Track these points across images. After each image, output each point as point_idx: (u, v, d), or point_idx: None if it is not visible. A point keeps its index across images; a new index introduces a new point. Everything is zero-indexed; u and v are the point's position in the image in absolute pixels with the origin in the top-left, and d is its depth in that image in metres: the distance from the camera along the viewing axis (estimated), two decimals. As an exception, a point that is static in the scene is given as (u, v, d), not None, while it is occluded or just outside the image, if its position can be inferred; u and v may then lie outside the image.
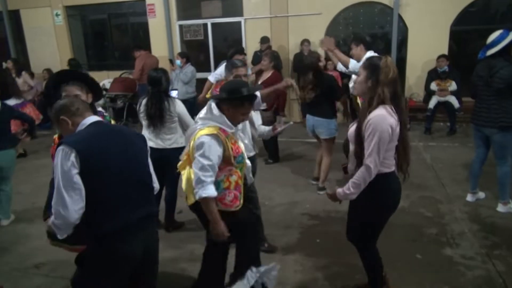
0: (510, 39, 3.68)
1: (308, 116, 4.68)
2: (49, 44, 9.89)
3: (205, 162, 2.22)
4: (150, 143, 3.42)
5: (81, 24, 10.24)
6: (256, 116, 3.11)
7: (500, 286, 2.87)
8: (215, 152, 2.23)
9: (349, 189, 2.29)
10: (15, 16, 10.07)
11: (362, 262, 2.62)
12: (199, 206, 2.38)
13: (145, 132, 3.64)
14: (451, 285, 2.89)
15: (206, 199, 2.24)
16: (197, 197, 2.25)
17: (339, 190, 2.35)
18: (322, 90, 4.40)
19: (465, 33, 7.88)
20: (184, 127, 3.67)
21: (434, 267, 3.11)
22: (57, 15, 9.72)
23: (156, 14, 9.00)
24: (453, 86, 6.93)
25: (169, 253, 3.50)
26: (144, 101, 3.65)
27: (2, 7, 9.72)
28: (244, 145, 2.56)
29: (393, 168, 2.33)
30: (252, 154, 3.11)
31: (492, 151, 4.02)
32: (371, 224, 2.46)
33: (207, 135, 2.25)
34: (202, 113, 2.47)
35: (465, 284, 2.91)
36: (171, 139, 3.63)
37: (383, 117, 2.18)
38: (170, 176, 3.70)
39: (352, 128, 2.38)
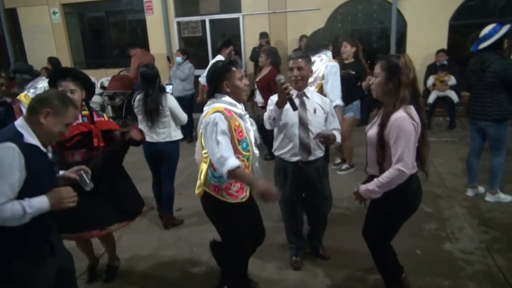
0: (502, 33, 3.69)
1: None
2: (46, 43, 9.84)
3: (219, 137, 2.16)
4: (146, 138, 3.53)
5: (79, 22, 10.20)
6: (332, 118, 2.95)
7: (500, 281, 2.87)
8: (224, 125, 2.19)
9: (374, 187, 2.24)
10: (12, 14, 10.02)
11: (376, 264, 2.58)
12: (206, 201, 2.41)
13: (142, 126, 3.71)
14: (451, 280, 2.88)
15: (233, 172, 2.13)
16: (224, 176, 2.16)
17: (362, 187, 2.32)
18: None
19: (464, 27, 7.84)
20: (176, 120, 3.77)
21: (434, 262, 3.11)
22: (54, 13, 9.67)
23: (154, 11, 8.96)
24: (452, 80, 6.91)
25: (170, 252, 3.49)
26: (138, 97, 3.71)
27: (-1, 5, 9.68)
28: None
29: (415, 170, 2.27)
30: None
31: (488, 144, 4.04)
32: (390, 224, 2.42)
33: (213, 113, 2.22)
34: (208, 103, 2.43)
35: (465, 279, 2.90)
36: (164, 133, 3.71)
37: (406, 118, 2.12)
38: (165, 170, 3.86)
39: (372, 132, 2.31)
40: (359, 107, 5.02)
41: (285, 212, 3.08)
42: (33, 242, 1.85)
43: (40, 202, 1.80)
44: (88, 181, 2.20)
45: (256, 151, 2.44)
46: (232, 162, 2.13)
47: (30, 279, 1.85)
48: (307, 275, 3.05)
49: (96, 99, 8.85)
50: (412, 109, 2.17)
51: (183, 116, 3.80)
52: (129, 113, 8.72)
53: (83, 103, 2.75)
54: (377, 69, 2.25)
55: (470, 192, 4.26)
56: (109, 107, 9.07)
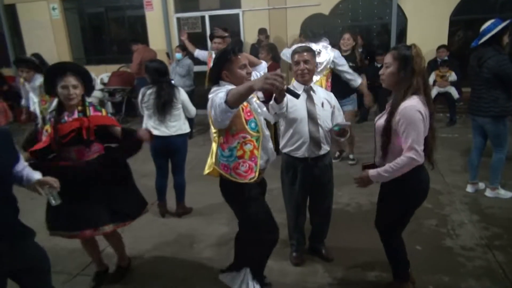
0: (499, 28, 3.67)
1: None
2: (46, 39, 9.80)
3: (218, 94, 2.09)
4: (156, 132, 3.65)
5: (78, 18, 10.16)
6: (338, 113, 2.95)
7: (500, 277, 2.87)
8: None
9: (386, 172, 2.25)
10: (11, 10, 9.98)
11: (387, 255, 2.60)
12: (221, 183, 2.42)
13: (149, 122, 3.75)
14: (451, 276, 2.89)
15: (228, 96, 1.99)
16: (224, 106, 2.00)
17: (373, 171, 2.32)
18: None
19: (465, 23, 7.82)
20: (186, 113, 3.90)
21: (434, 258, 3.11)
22: (53, 9, 9.63)
23: (154, 7, 8.93)
24: (452, 76, 6.90)
25: (171, 248, 3.50)
26: (149, 91, 3.72)
27: (-2, 1, 9.64)
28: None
29: (423, 159, 2.27)
30: None
31: (489, 141, 4.04)
32: (401, 213, 2.44)
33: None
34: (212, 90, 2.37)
35: (465, 275, 2.90)
36: (175, 126, 3.78)
37: (415, 107, 2.14)
38: (176, 162, 3.96)
39: (381, 121, 2.33)
40: (356, 99, 5.11)
41: (291, 209, 3.05)
42: None
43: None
44: (54, 198, 2.11)
45: (267, 132, 2.42)
46: (223, 93, 2.06)
47: None
48: (307, 271, 3.05)
49: (96, 94, 8.85)
50: (421, 98, 2.19)
51: (193, 109, 3.94)
52: (128, 109, 8.72)
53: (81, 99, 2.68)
54: (388, 59, 2.26)
55: (470, 188, 4.26)
56: (109, 103, 9.07)
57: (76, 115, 2.63)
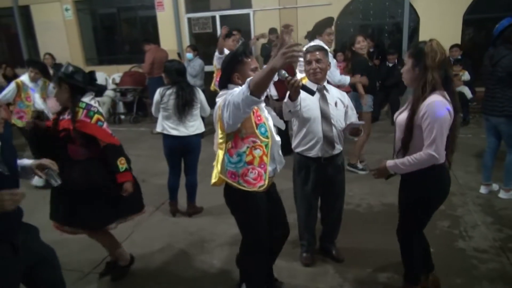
0: (505, 26, 3.67)
1: None
2: (59, 39, 9.95)
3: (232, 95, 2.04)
4: (173, 132, 3.73)
5: (91, 19, 10.29)
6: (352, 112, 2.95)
7: (514, 279, 2.82)
8: None
9: (403, 164, 2.24)
10: (25, 11, 10.15)
11: (402, 253, 2.55)
12: (226, 191, 2.37)
13: (166, 123, 3.78)
14: (463, 278, 2.85)
15: (251, 85, 1.90)
16: (248, 93, 1.91)
17: (390, 161, 2.31)
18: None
19: (479, 22, 7.70)
20: (202, 113, 3.95)
21: (446, 260, 3.07)
22: (66, 9, 9.77)
23: (165, 7, 8.99)
24: (466, 76, 6.81)
25: (181, 247, 3.52)
26: (168, 92, 3.71)
27: (12, 2, 9.79)
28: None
29: (443, 159, 2.25)
30: None
31: (503, 141, 3.98)
32: (420, 212, 2.41)
33: None
34: (220, 94, 2.36)
35: (478, 277, 2.86)
36: (193, 126, 3.83)
37: (440, 103, 2.11)
38: (190, 162, 4.00)
39: (402, 116, 2.31)
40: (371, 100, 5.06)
41: (303, 209, 3.04)
42: None
43: None
44: (54, 180, 2.10)
45: (278, 138, 2.37)
46: (237, 91, 2.01)
47: None
48: (318, 271, 3.04)
49: (108, 94, 8.96)
50: (446, 94, 2.15)
51: (209, 108, 3.97)
52: (140, 109, 8.80)
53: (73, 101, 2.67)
54: (406, 56, 2.28)
55: (483, 189, 4.20)
56: (121, 103, 9.16)
57: (68, 116, 2.66)
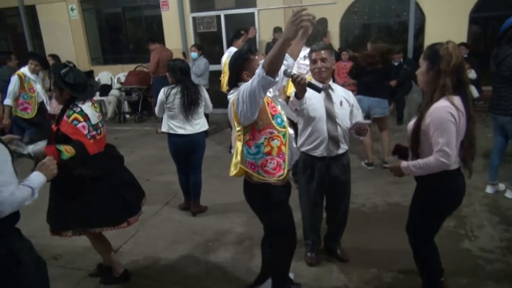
0: (507, 25, 3.66)
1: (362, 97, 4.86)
2: (64, 39, 10.01)
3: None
4: (180, 131, 3.74)
5: (96, 18, 10.33)
6: (357, 112, 2.94)
7: (521, 280, 2.80)
8: None
9: (414, 167, 2.24)
10: (31, 11, 10.20)
11: (415, 261, 2.52)
12: (246, 186, 2.37)
13: (171, 122, 3.78)
14: (470, 279, 2.83)
15: (267, 67, 1.90)
16: (264, 73, 1.90)
17: (404, 163, 2.30)
18: None
19: (485, 20, 7.64)
20: (205, 110, 3.97)
21: (452, 260, 3.04)
22: (72, 9, 9.81)
23: (170, 6, 9.00)
24: (472, 74, 6.75)
25: (185, 246, 3.52)
26: (173, 91, 3.71)
27: (18, 2, 9.85)
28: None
29: (458, 165, 2.22)
30: None
31: (510, 140, 3.96)
32: (431, 220, 2.38)
33: None
34: (231, 92, 2.35)
35: (484, 278, 2.84)
36: (199, 124, 3.85)
37: (445, 108, 2.07)
38: (196, 160, 4.00)
39: (412, 122, 2.29)
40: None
41: (307, 209, 3.03)
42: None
43: (37, 176, 1.98)
44: (22, 148, 2.17)
45: (291, 131, 2.38)
46: (249, 81, 2.03)
47: None
48: (322, 271, 3.03)
49: (113, 93, 9.00)
50: (456, 99, 2.10)
51: (211, 105, 4.02)
52: (145, 108, 8.82)
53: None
54: (421, 58, 2.22)
55: (490, 189, 4.17)
56: (126, 102, 9.20)
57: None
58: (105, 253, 2.99)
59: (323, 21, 4.85)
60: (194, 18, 9.01)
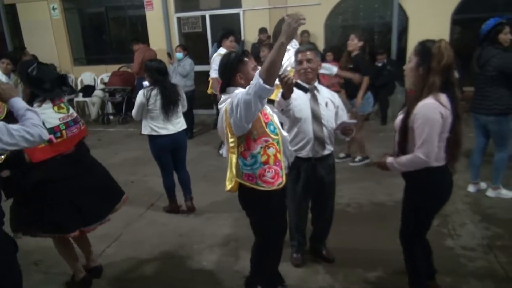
0: (489, 26, 3.74)
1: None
2: (46, 39, 9.79)
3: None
4: (163, 131, 3.75)
5: (78, 18, 10.14)
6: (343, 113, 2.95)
7: (501, 277, 2.85)
8: None
9: (398, 163, 2.26)
10: (11, 10, 9.97)
11: (405, 260, 2.53)
12: (241, 194, 2.35)
13: (152, 123, 3.76)
14: (452, 277, 2.87)
15: (261, 72, 1.93)
16: (261, 81, 1.91)
17: (389, 159, 2.32)
18: None
19: (467, 21, 7.78)
20: (183, 109, 3.98)
21: (435, 258, 3.07)
22: (53, 8, 9.62)
23: (154, 6, 8.90)
24: (455, 75, 6.86)
25: (170, 249, 3.49)
26: (154, 92, 3.68)
27: (-2, 1, 9.64)
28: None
29: (443, 162, 2.24)
30: None
31: (492, 140, 4.02)
32: (418, 218, 2.40)
33: None
34: (221, 99, 2.33)
35: (466, 275, 2.89)
36: (179, 123, 3.89)
37: (432, 105, 2.09)
38: (181, 158, 4.04)
39: (398, 119, 2.31)
40: (369, 101, 5.19)
41: (293, 209, 3.02)
42: None
43: (18, 101, 2.11)
44: None
45: (285, 134, 2.38)
46: (244, 90, 2.04)
47: None
48: (308, 272, 3.04)
49: (97, 94, 8.86)
50: (442, 97, 2.12)
51: (186, 104, 4.05)
52: (129, 109, 8.72)
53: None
54: (411, 53, 2.23)
55: (471, 188, 4.24)
56: (109, 103, 9.07)
57: None
58: (65, 256, 2.91)
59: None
60: (178, 18, 8.94)
